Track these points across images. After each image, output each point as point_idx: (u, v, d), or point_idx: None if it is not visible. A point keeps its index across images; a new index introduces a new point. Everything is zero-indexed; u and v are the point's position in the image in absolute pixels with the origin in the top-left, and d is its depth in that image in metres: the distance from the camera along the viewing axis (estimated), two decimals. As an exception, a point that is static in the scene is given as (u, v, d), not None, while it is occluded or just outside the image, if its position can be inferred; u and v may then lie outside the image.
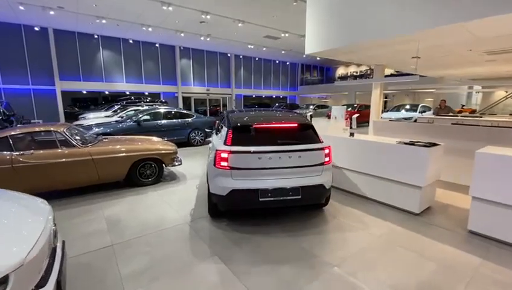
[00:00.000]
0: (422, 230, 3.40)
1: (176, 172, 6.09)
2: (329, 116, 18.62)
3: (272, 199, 3.19)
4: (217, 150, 3.25)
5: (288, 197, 3.24)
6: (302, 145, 3.35)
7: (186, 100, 20.44)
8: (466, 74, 10.15)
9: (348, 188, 4.67)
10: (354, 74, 26.69)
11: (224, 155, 3.19)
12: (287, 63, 26.30)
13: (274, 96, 26.70)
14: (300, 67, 27.71)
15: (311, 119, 18.36)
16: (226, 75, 22.32)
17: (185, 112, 9.91)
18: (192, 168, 6.44)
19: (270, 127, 3.46)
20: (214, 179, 3.32)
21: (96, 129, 7.75)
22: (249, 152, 3.19)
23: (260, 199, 3.17)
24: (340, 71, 28.90)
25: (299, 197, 3.25)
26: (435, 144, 3.73)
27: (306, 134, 3.54)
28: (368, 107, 18.55)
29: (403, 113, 14.65)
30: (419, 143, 3.73)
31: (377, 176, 4.16)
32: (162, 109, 9.44)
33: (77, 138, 4.68)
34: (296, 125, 3.53)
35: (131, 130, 8.22)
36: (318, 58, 23.78)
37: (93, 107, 16.85)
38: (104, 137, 5.41)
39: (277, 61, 25.33)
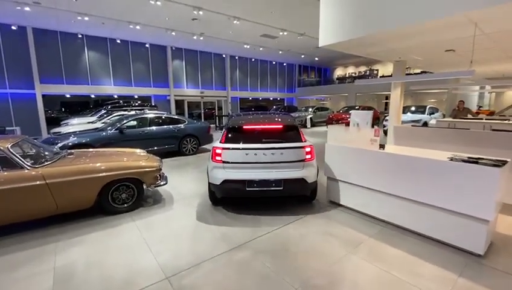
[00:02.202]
0: (499, 285, 2.42)
1: (161, 191, 5.04)
2: (329, 119, 17.70)
3: (257, 189, 3.73)
4: (213, 147, 3.92)
5: (272, 188, 3.73)
6: (284, 144, 3.80)
7: (180, 104, 19.33)
8: (495, 72, 9.16)
9: (380, 216, 3.68)
10: (353, 75, 25.90)
11: (218, 151, 3.81)
12: (284, 64, 25.36)
13: (271, 99, 25.72)
14: (297, 69, 26.76)
15: (311, 122, 17.23)
16: (221, 77, 21.24)
17: (176, 117, 8.85)
18: (182, 185, 5.39)
19: (257, 128, 4.01)
20: (211, 171, 3.89)
21: (72, 139, 6.67)
22: (237, 149, 3.77)
23: (247, 189, 3.73)
24: (338, 72, 28.07)
25: (281, 188, 3.71)
26: (504, 161, 2.76)
27: (290, 134, 4.00)
28: (370, 109, 17.79)
29: (409, 116, 13.72)
30: (484, 161, 2.76)
31: (420, 202, 3.18)
32: (150, 114, 8.36)
33: (29, 155, 3.63)
34: (281, 126, 4.06)
35: (113, 139, 7.14)
36: (316, 59, 22.90)
37: (88, 111, 15.51)
38: (69, 152, 4.34)
39: (274, 62, 24.35)
